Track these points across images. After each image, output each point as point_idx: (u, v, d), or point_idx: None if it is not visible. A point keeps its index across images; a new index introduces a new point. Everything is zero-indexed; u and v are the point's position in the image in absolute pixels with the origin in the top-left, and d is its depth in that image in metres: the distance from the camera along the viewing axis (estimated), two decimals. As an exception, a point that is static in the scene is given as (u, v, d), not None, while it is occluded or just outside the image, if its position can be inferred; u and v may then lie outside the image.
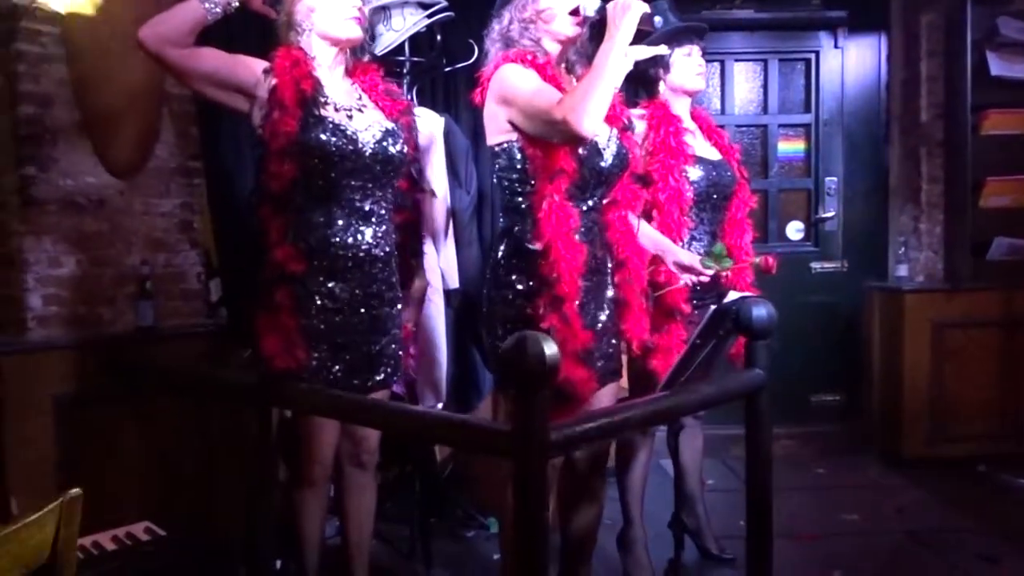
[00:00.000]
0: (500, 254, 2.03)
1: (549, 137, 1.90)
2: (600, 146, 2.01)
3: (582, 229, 1.99)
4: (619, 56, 1.87)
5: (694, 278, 2.35)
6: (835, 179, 4.34)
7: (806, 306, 4.23)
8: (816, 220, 4.35)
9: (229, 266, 2.95)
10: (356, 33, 2.07)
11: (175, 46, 1.89)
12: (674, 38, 2.56)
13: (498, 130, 2.00)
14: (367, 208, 2.03)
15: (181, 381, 2.47)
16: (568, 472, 2.20)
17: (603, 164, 2.01)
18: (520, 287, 1.98)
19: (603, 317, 2.08)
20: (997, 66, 3.83)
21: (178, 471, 2.71)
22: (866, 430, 4.23)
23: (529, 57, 1.98)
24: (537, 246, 1.93)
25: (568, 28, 2.01)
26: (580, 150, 1.93)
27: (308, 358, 1.98)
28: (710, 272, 2.34)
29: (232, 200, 2.87)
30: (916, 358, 3.88)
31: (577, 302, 1.95)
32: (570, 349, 1.92)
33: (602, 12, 1.95)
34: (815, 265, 4.35)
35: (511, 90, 1.94)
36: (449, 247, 3.03)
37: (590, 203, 2.03)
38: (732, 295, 2.01)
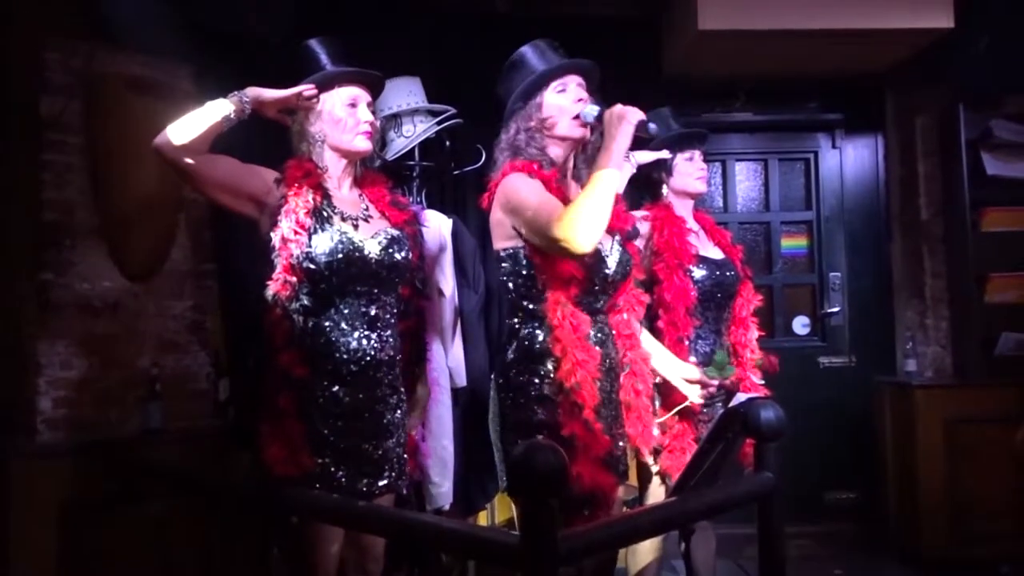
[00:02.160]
0: (510, 357, 2.03)
1: (550, 251, 1.93)
2: (603, 253, 2.04)
3: (594, 334, 2.01)
4: (615, 167, 1.90)
5: (702, 392, 2.40)
6: (839, 274, 4.38)
7: (815, 401, 4.20)
8: (822, 315, 4.37)
9: (238, 366, 2.97)
10: (366, 147, 2.13)
11: (189, 152, 1.95)
12: (676, 143, 2.66)
13: (504, 236, 2.04)
14: (372, 313, 2.06)
15: (185, 487, 2.45)
16: None
17: (607, 271, 2.05)
18: (533, 392, 1.98)
19: (615, 419, 2.07)
20: (992, 166, 3.92)
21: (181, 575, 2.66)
22: (883, 528, 4.12)
23: (536, 166, 2.03)
24: (556, 352, 1.94)
25: (572, 131, 2.06)
26: (586, 258, 1.95)
27: (312, 464, 1.96)
28: (715, 382, 2.40)
29: (244, 301, 2.92)
30: (930, 454, 3.82)
31: (595, 407, 1.94)
32: (594, 455, 1.91)
33: (597, 116, 2.01)
34: (823, 360, 4.34)
35: (516, 201, 1.98)
36: (457, 346, 3.05)
37: (597, 307, 2.06)
38: (740, 396, 2.00)
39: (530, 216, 1.93)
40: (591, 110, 2.03)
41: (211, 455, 2.80)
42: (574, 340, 1.93)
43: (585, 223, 1.83)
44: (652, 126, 1.99)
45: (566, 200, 1.98)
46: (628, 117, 1.93)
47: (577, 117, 2.05)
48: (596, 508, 1.90)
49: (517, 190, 1.98)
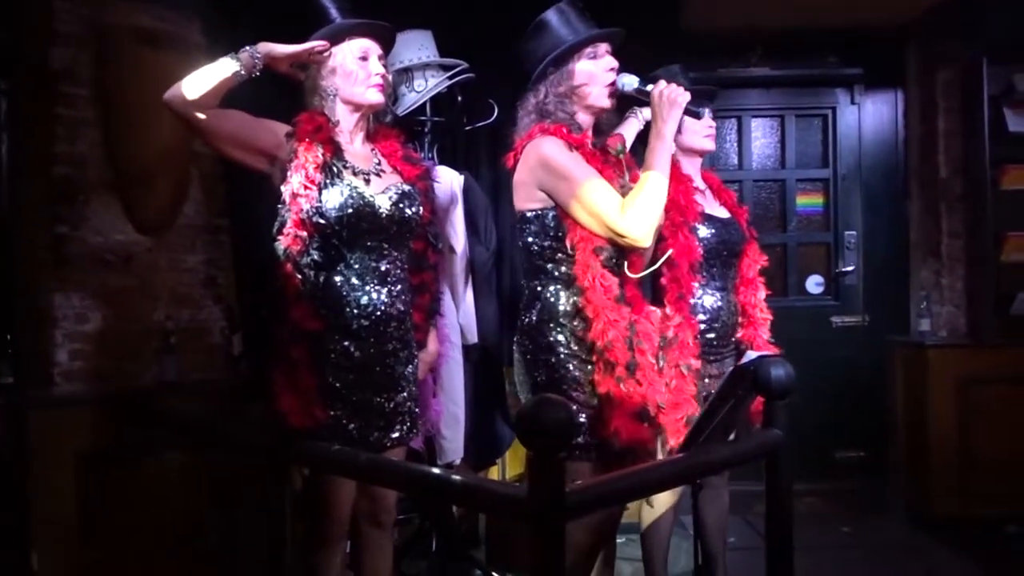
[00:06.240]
0: (534, 319, 2.06)
1: (599, 233, 1.97)
2: None
3: (621, 294, 2.04)
4: (669, 153, 1.97)
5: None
6: (854, 233, 4.34)
7: (828, 360, 4.20)
8: (836, 274, 4.34)
9: (251, 321, 2.99)
10: (379, 99, 2.12)
11: (200, 107, 1.95)
12: (684, 100, 2.61)
13: (531, 198, 2.05)
14: (383, 268, 2.07)
15: (201, 438, 2.49)
16: None
17: None
18: (563, 352, 2.01)
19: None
20: (1014, 122, 3.85)
21: (198, 527, 2.71)
22: (892, 487, 4.15)
23: (565, 130, 2.04)
24: (588, 314, 1.98)
25: (604, 100, 2.09)
26: None
27: (324, 416, 1.99)
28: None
29: (256, 256, 2.92)
30: (941, 414, 3.82)
31: (626, 363, 1.98)
32: (629, 410, 1.97)
33: (639, 89, 2.04)
34: (836, 319, 4.33)
35: (556, 167, 1.99)
36: (468, 302, 3.05)
37: (621, 267, 2.07)
38: (751, 354, 2.00)
39: (575, 191, 1.97)
40: (630, 80, 2.06)
41: (225, 407, 2.83)
42: (605, 301, 1.97)
43: (649, 220, 1.95)
44: (705, 111, 2.02)
45: (601, 167, 2.03)
46: (679, 101, 1.98)
47: (612, 84, 2.08)
48: (637, 460, 1.97)
49: (555, 158, 2.00)
